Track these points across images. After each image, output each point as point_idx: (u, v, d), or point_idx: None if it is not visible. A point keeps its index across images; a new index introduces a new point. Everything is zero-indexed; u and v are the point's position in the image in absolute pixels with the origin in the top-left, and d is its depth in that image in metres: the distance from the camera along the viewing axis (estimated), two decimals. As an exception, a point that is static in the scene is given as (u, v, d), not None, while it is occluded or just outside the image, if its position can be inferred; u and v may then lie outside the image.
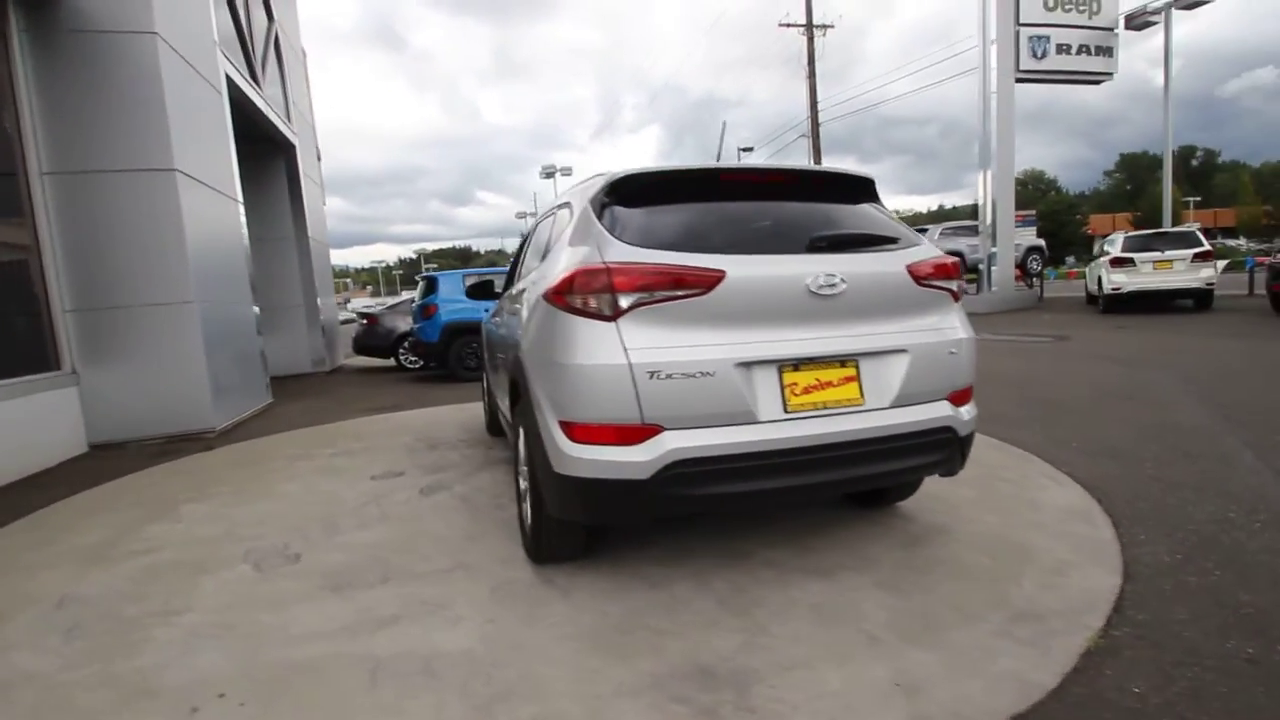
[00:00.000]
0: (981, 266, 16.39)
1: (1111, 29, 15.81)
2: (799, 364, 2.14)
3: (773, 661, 1.93)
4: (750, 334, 2.12)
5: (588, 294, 2.10)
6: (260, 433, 6.02)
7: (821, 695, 1.76)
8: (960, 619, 2.12)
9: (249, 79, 8.01)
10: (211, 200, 6.18)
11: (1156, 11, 14.71)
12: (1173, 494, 3.14)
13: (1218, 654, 1.87)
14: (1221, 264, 12.56)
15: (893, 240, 2.39)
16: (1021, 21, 15.77)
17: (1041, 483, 3.44)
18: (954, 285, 2.43)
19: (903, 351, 2.27)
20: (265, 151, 9.64)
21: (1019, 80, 15.85)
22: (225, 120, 6.76)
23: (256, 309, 7.46)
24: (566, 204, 2.81)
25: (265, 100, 8.66)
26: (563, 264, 2.28)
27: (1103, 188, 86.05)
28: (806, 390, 2.14)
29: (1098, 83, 16.36)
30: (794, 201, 2.44)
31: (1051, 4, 15.48)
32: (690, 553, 2.71)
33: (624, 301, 2.06)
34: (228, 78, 6.95)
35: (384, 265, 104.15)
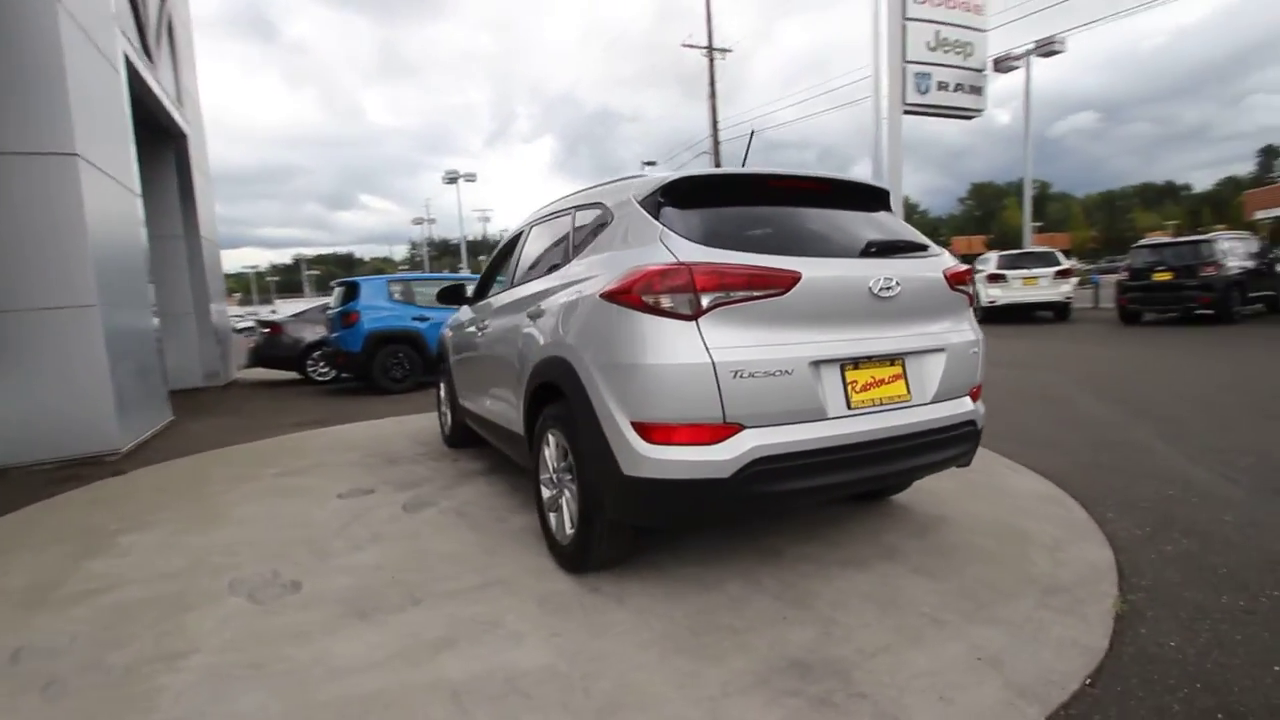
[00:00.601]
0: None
1: (981, 70, 17.70)
2: (859, 362, 2.25)
3: (856, 649, 2.00)
4: (818, 333, 2.20)
5: (666, 293, 2.09)
6: (174, 453, 5.36)
7: (917, 674, 1.85)
8: (1000, 596, 2.30)
9: (144, 57, 7.15)
10: (112, 192, 5.44)
11: (1019, 57, 16.74)
12: (1115, 478, 3.58)
13: (1219, 608, 2.17)
14: (1074, 280, 14.41)
15: (925, 247, 2.57)
16: (908, 59, 17.22)
17: (1004, 473, 3.79)
18: (970, 290, 2.66)
19: (941, 350, 2.44)
20: (155, 140, 8.63)
21: (906, 112, 17.33)
22: (124, 102, 5.98)
23: (156, 316, 6.64)
24: (595, 204, 2.77)
25: (159, 83, 7.77)
26: (626, 263, 2.25)
27: (958, 213, 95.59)
28: (865, 387, 2.25)
29: (969, 117, 18.24)
30: (832, 208, 2.56)
31: (933, 45, 17.08)
32: (726, 553, 2.74)
33: (705, 301, 2.08)
34: (125, 56, 6.17)
35: (256, 270, 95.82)
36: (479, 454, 4.76)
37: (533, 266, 3.38)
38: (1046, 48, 17.09)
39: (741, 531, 2.94)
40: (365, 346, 8.44)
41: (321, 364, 10.22)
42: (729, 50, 30.81)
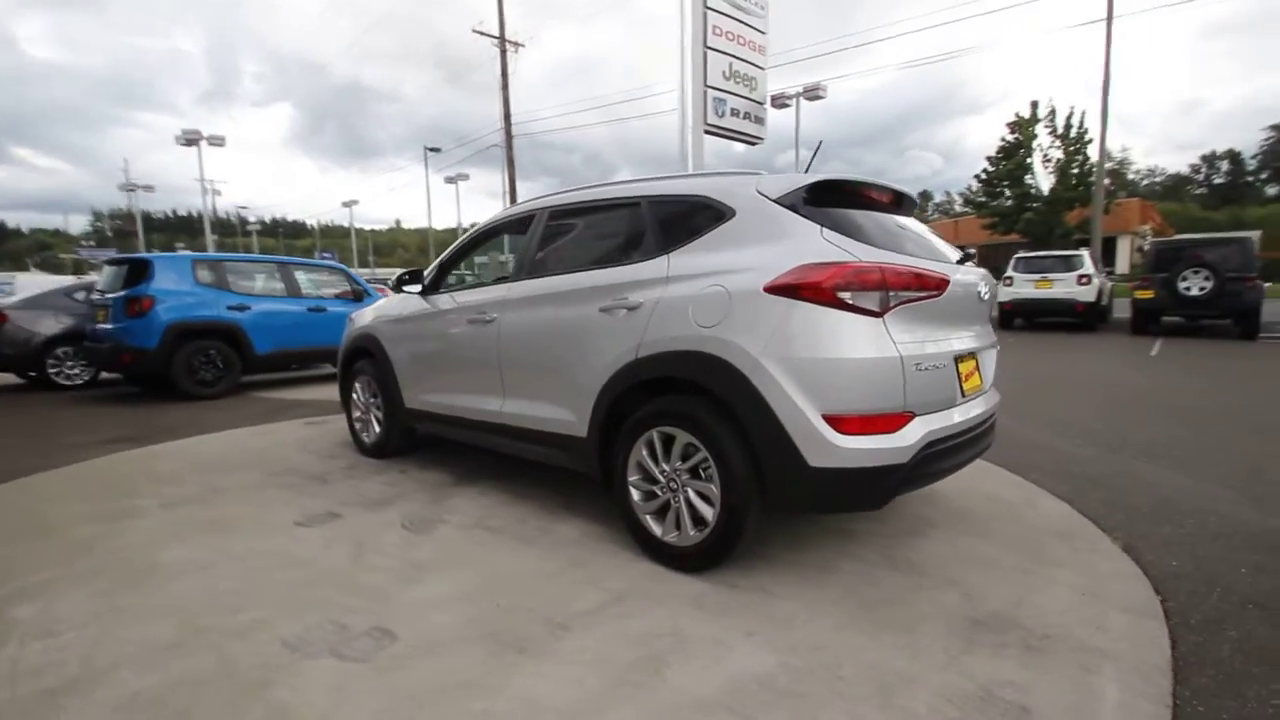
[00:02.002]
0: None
1: (763, 104, 20.12)
2: (962, 357, 2.59)
3: (1003, 602, 2.31)
4: (949, 330, 2.48)
5: (860, 290, 2.18)
6: (-69, 492, 3.74)
7: (1062, 612, 2.23)
8: (1068, 551, 2.83)
9: None
10: None
11: (791, 97, 19.49)
12: (1044, 456, 4.53)
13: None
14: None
15: (973, 256, 3.02)
16: (709, 84, 18.83)
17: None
18: None
19: (994, 347, 2.91)
20: None
21: (706, 131, 18.96)
22: None
23: None
24: (691, 198, 2.70)
25: None
26: (785, 258, 2.28)
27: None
28: (966, 378, 2.60)
29: (753, 143, 20.59)
30: (903, 216, 2.85)
31: (728, 75, 18.90)
32: (806, 538, 2.90)
33: (892, 299, 2.22)
34: None
35: None
36: (423, 461, 4.20)
37: (576, 257, 3.14)
38: (813, 92, 20.21)
39: (777, 529, 3.07)
40: (163, 341, 6.71)
41: (74, 363, 7.83)
42: (521, 44, 30.43)
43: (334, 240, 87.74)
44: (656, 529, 2.64)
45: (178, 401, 6.81)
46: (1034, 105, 28.84)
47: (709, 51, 19.67)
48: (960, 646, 2.03)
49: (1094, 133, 26.86)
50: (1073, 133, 28.02)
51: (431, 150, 32.11)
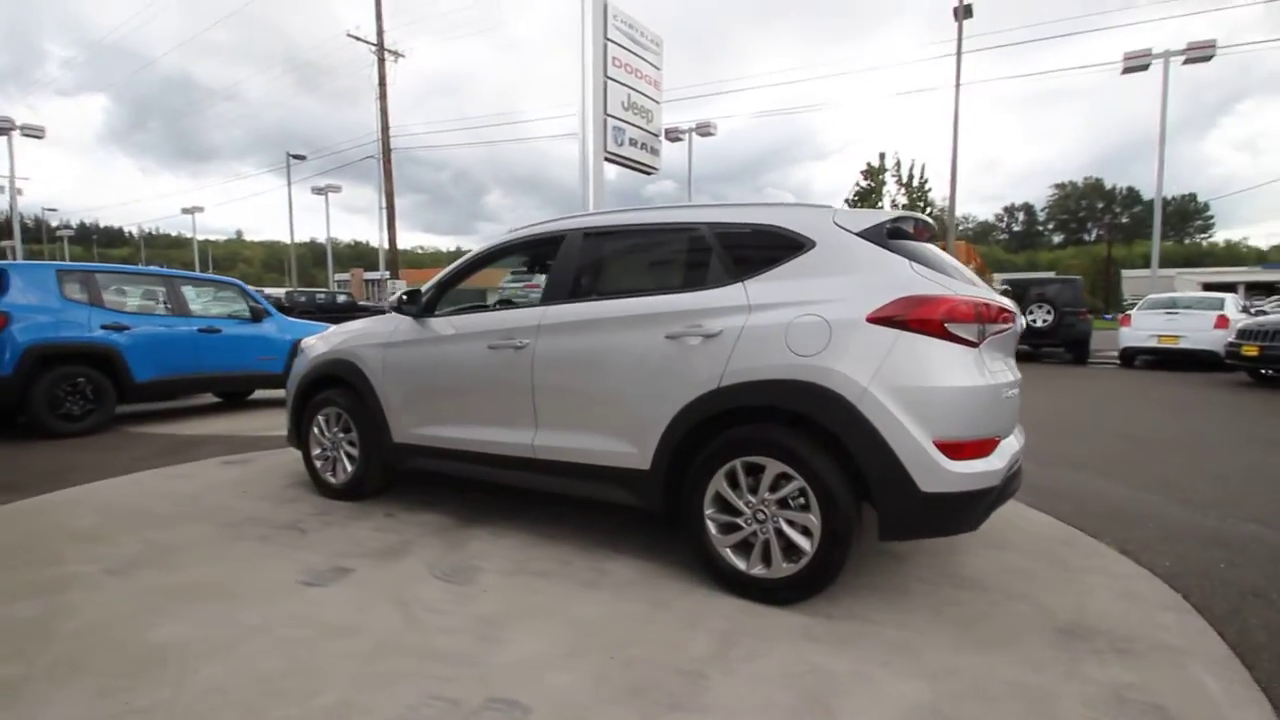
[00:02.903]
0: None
1: (658, 135, 20.83)
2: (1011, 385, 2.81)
3: (1071, 609, 2.52)
4: (1005, 361, 2.69)
5: (964, 323, 2.31)
6: None
7: (1123, 615, 2.47)
8: (1080, 557, 3.13)
9: None
10: None
11: (685, 131, 20.35)
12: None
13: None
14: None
15: None
16: (609, 112, 19.19)
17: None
18: None
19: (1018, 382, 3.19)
20: None
21: (606, 159, 19.25)
22: None
23: None
24: (762, 227, 2.71)
25: None
26: (881, 291, 2.37)
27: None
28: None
29: (648, 173, 21.16)
30: (939, 248, 3.05)
31: (626, 105, 19.39)
32: (851, 573, 2.97)
33: (986, 331, 2.37)
34: None
35: None
36: (404, 502, 3.79)
37: (627, 282, 3.04)
38: (704, 129, 21.24)
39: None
40: (20, 367, 5.52)
41: None
42: (401, 55, 29.22)
43: (159, 251, 77.73)
44: (740, 563, 2.58)
45: (41, 440, 5.61)
46: (882, 156, 32.48)
47: (609, 81, 20.05)
48: (1068, 656, 2.18)
49: (932, 183, 30.67)
50: (915, 182, 31.86)
51: (296, 158, 29.48)
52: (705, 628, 2.35)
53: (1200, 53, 13.96)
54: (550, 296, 3.17)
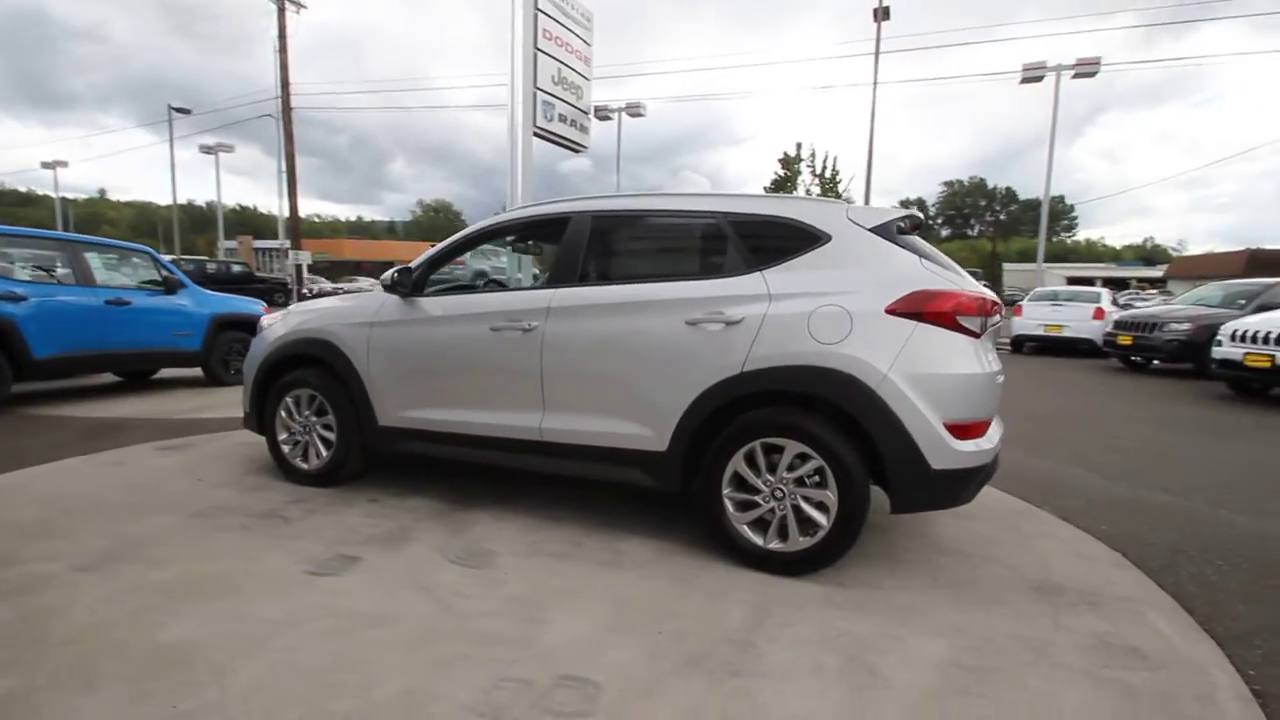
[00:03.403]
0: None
1: (587, 113, 20.58)
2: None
3: (1038, 569, 2.85)
4: (990, 352, 2.96)
5: (972, 315, 2.53)
6: None
7: (1098, 577, 2.83)
8: (1034, 525, 3.50)
9: None
10: None
11: (615, 110, 20.18)
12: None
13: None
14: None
15: None
16: (539, 86, 18.75)
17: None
18: None
19: None
20: None
21: (535, 135, 18.84)
22: None
23: None
24: (779, 220, 2.82)
25: None
26: (896, 284, 2.55)
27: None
28: (987, 388, 3.12)
29: (577, 151, 20.91)
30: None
31: (556, 80, 19.00)
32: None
33: (986, 323, 2.60)
34: None
35: None
36: (385, 486, 3.66)
37: (641, 267, 3.06)
38: (634, 109, 21.14)
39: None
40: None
41: None
42: (304, 5, 27.14)
43: (6, 210, 68.22)
44: (757, 539, 2.72)
45: (-91, 425, 4.90)
46: (798, 146, 33.63)
47: (539, 54, 19.56)
48: (1049, 610, 2.48)
49: (844, 174, 32.12)
50: (827, 173, 33.29)
51: (179, 112, 26.54)
52: (735, 600, 2.47)
53: (1087, 68, 15.51)
54: (558, 279, 3.15)
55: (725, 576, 2.67)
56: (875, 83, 18.68)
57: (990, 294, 2.78)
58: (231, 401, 6.32)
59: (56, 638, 2.06)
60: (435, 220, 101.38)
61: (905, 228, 2.85)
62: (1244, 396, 8.04)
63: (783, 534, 2.69)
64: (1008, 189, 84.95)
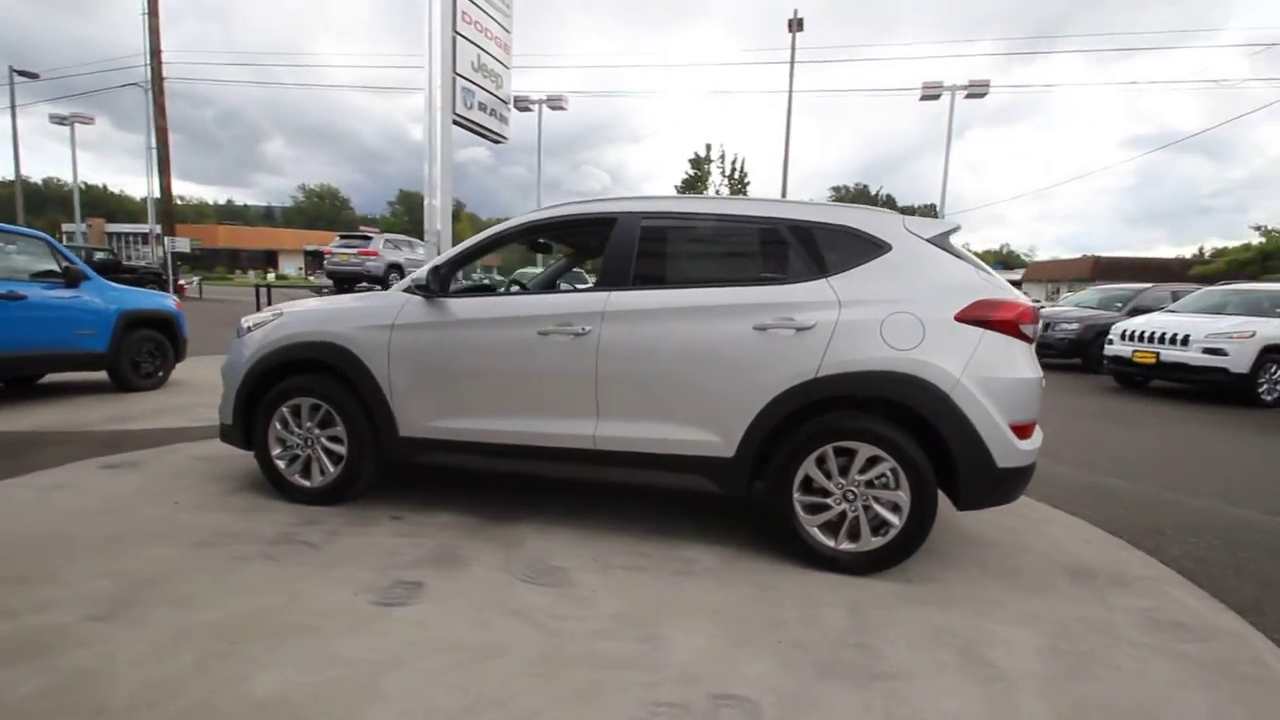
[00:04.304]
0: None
1: (507, 103, 19.98)
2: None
3: (1064, 554, 3.12)
4: None
5: (1030, 324, 2.71)
6: None
7: (1115, 560, 3.13)
8: (1038, 512, 3.80)
9: None
10: None
11: (535, 102, 19.71)
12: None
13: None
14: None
15: None
16: (458, 71, 18.01)
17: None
18: None
19: None
20: None
21: (455, 123, 18.09)
22: None
23: None
24: (841, 229, 2.88)
25: None
26: (962, 293, 2.70)
27: (390, 215, 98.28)
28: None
29: (497, 141, 20.25)
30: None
31: (476, 66, 18.31)
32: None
33: (1036, 331, 2.80)
34: None
35: None
36: (395, 503, 3.40)
37: (700, 271, 3.02)
38: (556, 102, 20.76)
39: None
40: None
41: None
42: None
43: None
44: (829, 541, 2.79)
45: None
46: (708, 147, 34.52)
47: (458, 37, 18.82)
48: (1093, 593, 2.72)
49: (752, 175, 33.30)
50: (736, 174, 34.42)
51: (24, 76, 22.86)
52: (826, 604, 2.51)
53: (978, 89, 17.10)
54: (609, 281, 3.05)
55: (801, 580, 2.71)
56: (790, 90, 19.53)
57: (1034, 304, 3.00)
58: (155, 409, 5.63)
59: (118, 706, 1.75)
60: (320, 207, 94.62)
61: (953, 237, 3.01)
62: (1129, 389, 9.20)
63: (853, 535, 2.77)
64: (888, 196, 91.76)
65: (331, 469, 3.34)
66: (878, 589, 2.66)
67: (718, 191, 34.39)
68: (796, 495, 2.81)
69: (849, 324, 2.74)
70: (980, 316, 2.68)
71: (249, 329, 3.53)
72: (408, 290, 3.27)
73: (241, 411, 3.45)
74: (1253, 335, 7.74)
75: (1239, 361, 7.72)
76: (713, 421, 2.86)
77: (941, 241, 2.89)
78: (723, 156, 34.06)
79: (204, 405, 5.76)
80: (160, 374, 6.80)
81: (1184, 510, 3.91)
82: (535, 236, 3.61)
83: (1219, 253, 36.09)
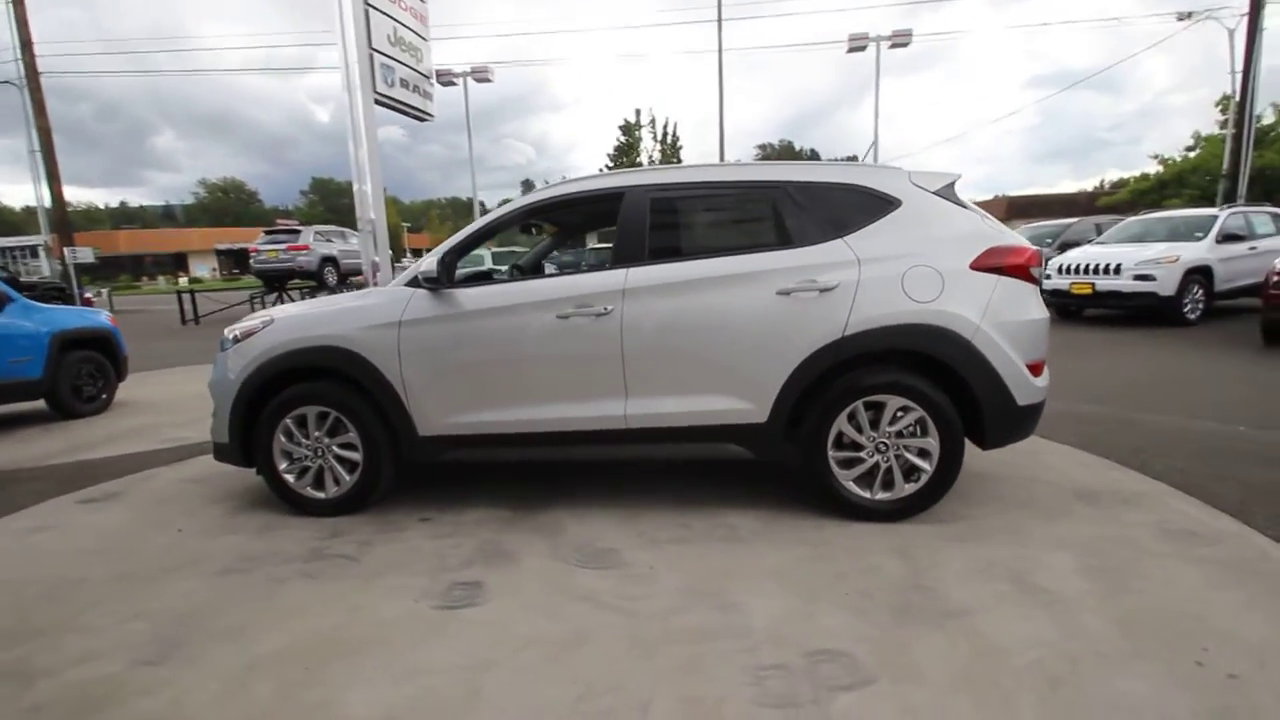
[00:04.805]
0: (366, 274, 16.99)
1: (429, 77, 19.10)
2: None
3: (1068, 479, 3.33)
4: None
5: (1035, 266, 2.83)
6: None
7: (1113, 481, 3.36)
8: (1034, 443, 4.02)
9: None
10: None
11: (459, 75, 18.88)
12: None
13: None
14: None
15: None
16: (374, 47, 17.09)
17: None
18: None
19: None
20: None
21: (377, 102, 17.21)
22: None
23: None
24: (847, 186, 2.92)
25: None
26: (975, 242, 2.80)
27: (304, 205, 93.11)
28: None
29: (422, 119, 19.41)
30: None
31: (393, 40, 17.39)
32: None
33: (1042, 273, 2.93)
34: None
35: None
36: (419, 504, 3.31)
37: (715, 240, 3.01)
38: (481, 74, 19.94)
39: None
40: None
41: None
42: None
43: None
44: (864, 492, 2.89)
45: None
46: (638, 113, 34.10)
47: (371, 10, 17.82)
48: (1105, 513, 2.93)
49: (684, 140, 33.14)
50: (668, 139, 34.20)
51: None
52: (876, 552, 2.61)
53: (901, 39, 17.47)
54: (624, 258, 3.00)
55: (845, 532, 2.80)
56: (720, 49, 19.42)
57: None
58: (113, 434, 5.25)
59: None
60: (225, 202, 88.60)
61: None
62: (1067, 319, 9.80)
63: (887, 484, 2.88)
64: (812, 150, 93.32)
65: (347, 477, 3.20)
66: (917, 532, 2.78)
67: (650, 159, 34.15)
68: (831, 452, 2.88)
69: (871, 281, 2.80)
70: (993, 264, 2.79)
71: (235, 339, 3.31)
72: (411, 284, 3.13)
73: (239, 428, 3.25)
74: (1177, 260, 8.36)
75: (1166, 285, 8.34)
76: (744, 389, 2.89)
77: (947, 193, 2.97)
78: (653, 122, 33.73)
79: (166, 425, 5.41)
80: (104, 396, 6.31)
81: (1154, 428, 4.24)
82: (538, 218, 3.50)
83: (1119, 184, 38.46)
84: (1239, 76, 16.50)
